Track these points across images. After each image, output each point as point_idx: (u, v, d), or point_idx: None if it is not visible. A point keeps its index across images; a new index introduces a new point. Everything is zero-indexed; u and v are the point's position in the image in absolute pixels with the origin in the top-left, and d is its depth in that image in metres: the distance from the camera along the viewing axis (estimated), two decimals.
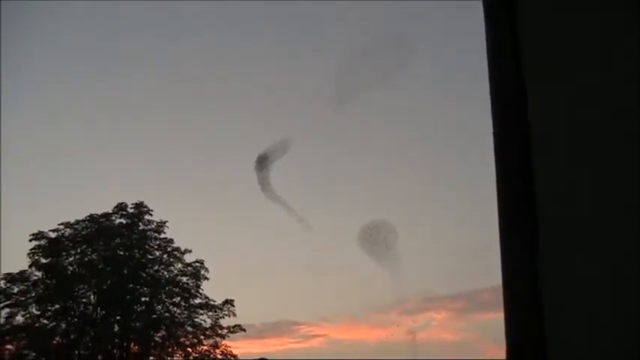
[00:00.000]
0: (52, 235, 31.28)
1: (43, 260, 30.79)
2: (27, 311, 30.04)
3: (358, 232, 29.03)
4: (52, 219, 32.50)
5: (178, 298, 31.73)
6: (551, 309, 1.61)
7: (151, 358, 31.33)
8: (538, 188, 1.67)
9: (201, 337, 31.72)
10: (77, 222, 31.76)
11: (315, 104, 41.12)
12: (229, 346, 31.96)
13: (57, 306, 30.33)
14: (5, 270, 30.55)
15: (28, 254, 30.68)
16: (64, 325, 30.35)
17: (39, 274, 30.76)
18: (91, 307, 30.80)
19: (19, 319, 29.91)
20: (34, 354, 30.05)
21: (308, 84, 42.86)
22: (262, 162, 27.98)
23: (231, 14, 42.85)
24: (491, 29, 1.90)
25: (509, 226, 1.75)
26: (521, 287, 1.68)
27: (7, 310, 29.75)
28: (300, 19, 42.65)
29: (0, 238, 34.55)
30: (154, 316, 31.12)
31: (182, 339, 31.61)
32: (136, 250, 31.62)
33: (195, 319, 31.71)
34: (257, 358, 32.48)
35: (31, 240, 30.87)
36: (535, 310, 1.63)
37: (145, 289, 31.47)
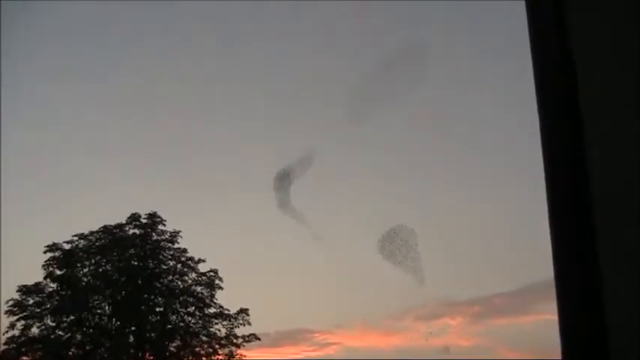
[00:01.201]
0: (67, 246, 31.43)
1: (58, 272, 30.90)
2: (42, 323, 30.12)
3: (377, 239, 28.82)
4: (66, 230, 32.60)
5: (193, 308, 31.73)
6: (609, 306, 1.54)
7: None
8: (593, 180, 1.61)
9: (216, 346, 31.68)
10: (91, 233, 31.89)
11: (335, 113, 41.11)
12: (244, 356, 31.95)
13: (72, 317, 30.37)
14: (20, 282, 30.75)
15: (43, 266, 30.85)
16: (79, 336, 30.40)
17: (54, 285, 30.89)
18: (105, 318, 30.86)
19: (35, 330, 30.00)
20: None
21: (327, 93, 42.82)
22: (282, 180, 27.27)
23: (252, 23, 42.96)
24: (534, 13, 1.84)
25: (561, 226, 1.69)
26: (576, 284, 1.62)
27: (22, 321, 29.87)
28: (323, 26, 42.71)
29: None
30: (169, 326, 31.13)
31: (197, 349, 31.58)
32: (149, 261, 31.67)
33: (210, 329, 31.71)
34: None
35: (45, 252, 31.07)
36: (592, 308, 1.56)
37: (160, 299, 31.50)
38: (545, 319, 41.11)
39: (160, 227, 32.26)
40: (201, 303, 31.77)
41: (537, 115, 1.81)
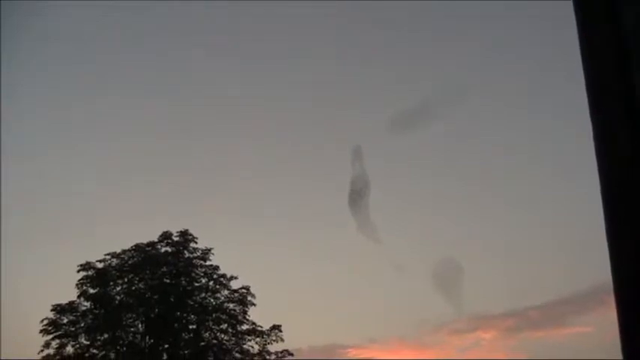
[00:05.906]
0: (100, 265, 31.60)
1: (91, 290, 31.04)
2: (77, 341, 30.22)
3: (411, 255, 28.66)
4: (98, 249, 32.85)
5: (225, 325, 31.66)
6: None
7: None
8: None
9: None
10: (123, 251, 32.04)
11: (382, 127, 41.22)
12: None
13: (106, 335, 30.45)
14: (54, 301, 30.96)
15: (77, 285, 31.03)
16: (113, 355, 30.46)
17: (87, 304, 31.02)
18: (139, 336, 30.90)
19: (69, 349, 30.08)
20: None
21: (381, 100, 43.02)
22: (358, 195, 26.02)
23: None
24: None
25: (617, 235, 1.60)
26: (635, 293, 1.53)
27: (57, 340, 30.00)
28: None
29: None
30: (202, 343, 31.08)
31: None
32: (182, 278, 31.71)
33: (243, 346, 31.60)
34: None
35: (78, 271, 31.25)
36: None
37: (193, 316, 31.49)
38: (580, 332, 40.57)
39: (192, 245, 32.34)
40: (234, 320, 31.70)
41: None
